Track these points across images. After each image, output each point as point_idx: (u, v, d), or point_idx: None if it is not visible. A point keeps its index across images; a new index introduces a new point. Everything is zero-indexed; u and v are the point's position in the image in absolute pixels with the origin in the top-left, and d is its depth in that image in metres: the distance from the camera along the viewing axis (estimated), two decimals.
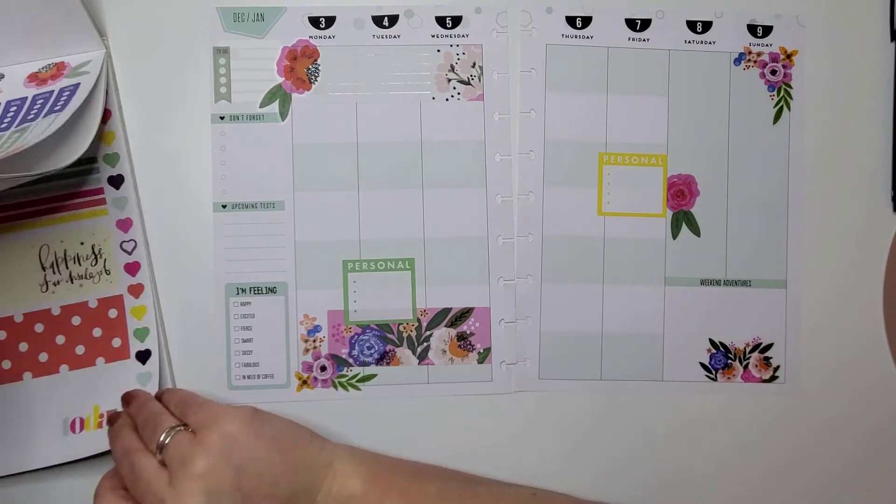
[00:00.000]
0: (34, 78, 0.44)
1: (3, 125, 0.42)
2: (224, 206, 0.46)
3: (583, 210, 0.47)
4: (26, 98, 0.43)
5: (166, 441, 0.40)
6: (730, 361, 0.48)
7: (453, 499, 0.42)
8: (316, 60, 0.47)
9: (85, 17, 0.44)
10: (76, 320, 0.45)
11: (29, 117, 0.42)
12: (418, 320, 0.47)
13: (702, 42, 0.48)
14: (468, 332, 0.47)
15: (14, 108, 0.43)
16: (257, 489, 0.39)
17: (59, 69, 0.44)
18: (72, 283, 0.45)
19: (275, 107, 0.46)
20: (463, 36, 0.47)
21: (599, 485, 0.47)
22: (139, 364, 0.45)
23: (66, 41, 0.44)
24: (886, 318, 0.48)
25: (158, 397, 0.44)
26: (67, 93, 0.43)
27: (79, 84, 0.43)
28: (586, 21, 0.47)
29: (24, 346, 0.45)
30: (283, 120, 0.46)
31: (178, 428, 0.40)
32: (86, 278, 0.45)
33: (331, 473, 0.41)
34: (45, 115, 0.42)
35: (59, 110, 0.42)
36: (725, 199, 0.48)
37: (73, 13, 0.43)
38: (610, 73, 0.47)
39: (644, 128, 0.47)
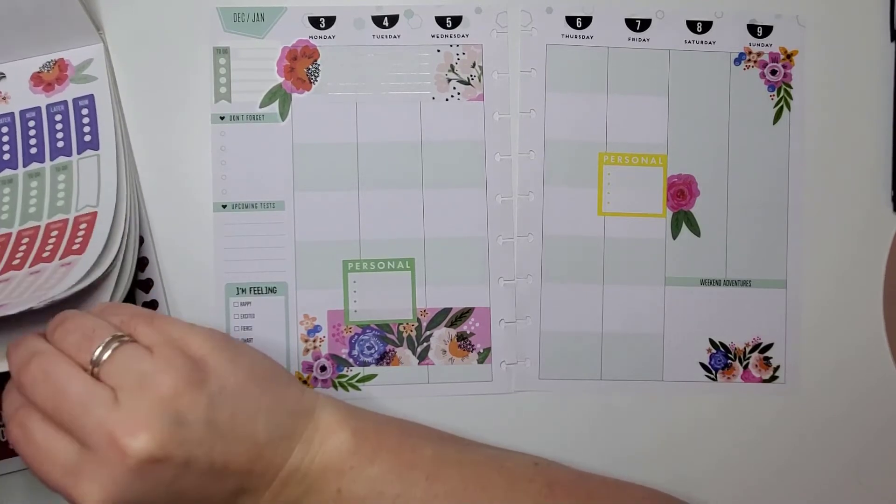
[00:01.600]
0: (39, 80, 0.44)
1: (33, 150, 0.42)
2: (224, 206, 0.46)
3: (583, 210, 0.47)
4: (40, 109, 0.44)
5: (105, 355, 0.30)
6: (730, 361, 0.48)
7: (450, 464, 0.37)
8: (316, 60, 0.47)
9: (81, 10, 0.44)
10: None
11: (58, 144, 0.42)
12: (418, 320, 0.47)
13: (702, 42, 0.48)
14: (468, 332, 0.47)
15: (33, 123, 0.43)
16: (231, 425, 0.31)
17: (60, 69, 0.44)
18: None
19: (275, 107, 0.46)
20: (463, 36, 0.47)
21: None
22: None
23: (63, 36, 0.44)
24: (886, 318, 0.48)
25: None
26: (86, 108, 0.43)
27: (92, 96, 0.44)
28: (586, 21, 0.47)
29: None
30: (283, 120, 0.46)
31: (125, 338, 0.31)
32: None
33: (313, 423, 0.35)
34: (79, 150, 0.42)
35: (92, 143, 0.42)
36: (725, 199, 0.48)
37: (69, 7, 0.43)
38: (610, 73, 0.47)
39: (644, 128, 0.47)
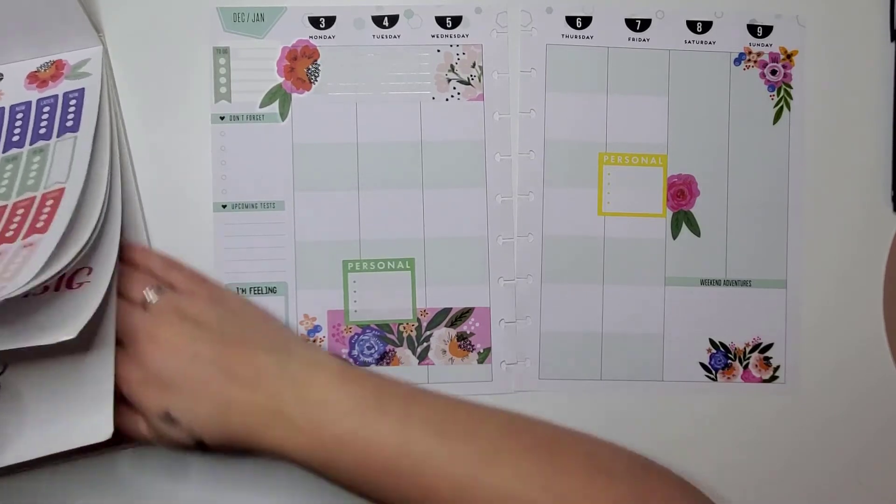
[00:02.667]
0: (34, 78, 0.44)
1: (16, 137, 0.42)
2: (224, 206, 0.46)
3: (583, 210, 0.47)
4: (30, 102, 0.43)
5: (150, 297, 0.40)
6: (730, 361, 0.48)
7: (426, 395, 0.40)
8: (316, 60, 0.47)
9: (81, 13, 0.44)
10: None
11: (41, 131, 0.42)
12: (418, 320, 0.47)
13: (702, 42, 0.48)
14: (468, 332, 0.47)
15: (21, 115, 0.43)
16: (239, 337, 0.40)
17: (57, 68, 0.44)
18: None
19: (275, 107, 0.46)
20: (463, 36, 0.47)
21: None
22: None
23: (62, 38, 0.44)
24: (886, 318, 0.48)
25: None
26: (74, 100, 0.43)
27: (83, 89, 0.43)
28: (586, 21, 0.47)
29: None
30: (283, 120, 0.46)
31: (164, 289, 0.41)
32: None
33: (305, 359, 0.40)
34: (59, 134, 0.41)
35: (73, 127, 0.41)
36: (725, 199, 0.48)
37: (69, 10, 0.43)
38: (610, 73, 0.47)
39: (644, 128, 0.47)
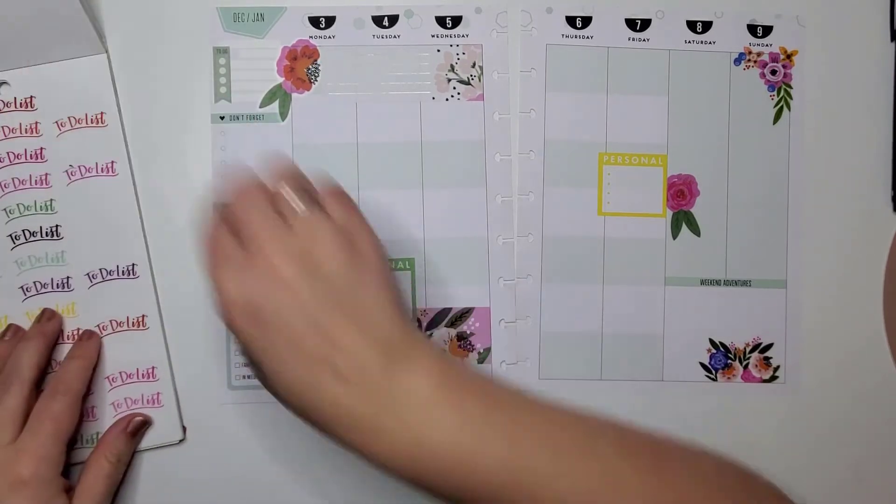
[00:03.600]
0: None
1: None
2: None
3: (583, 210, 0.47)
4: None
5: (298, 210, 0.36)
6: (730, 361, 0.47)
7: (531, 404, 0.36)
8: (316, 60, 0.47)
9: (85, 19, 0.44)
10: None
11: None
12: (418, 320, 0.47)
13: (702, 42, 0.48)
14: (468, 332, 0.47)
15: None
16: (349, 303, 0.34)
17: None
18: None
19: (275, 107, 0.46)
20: (463, 36, 0.47)
21: None
22: None
23: (66, 45, 0.44)
24: (886, 318, 0.48)
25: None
26: None
27: None
28: (586, 21, 0.47)
29: None
30: (283, 120, 0.46)
31: (316, 207, 0.36)
32: None
33: (408, 348, 0.35)
34: None
35: None
36: (725, 199, 0.48)
37: (74, 17, 0.43)
38: (610, 73, 0.47)
39: (644, 128, 0.47)
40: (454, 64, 0.47)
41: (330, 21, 0.47)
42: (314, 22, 0.47)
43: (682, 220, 0.48)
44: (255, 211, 0.36)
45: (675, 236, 0.47)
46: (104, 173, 0.45)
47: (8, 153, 0.45)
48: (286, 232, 0.35)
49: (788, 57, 0.48)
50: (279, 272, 0.34)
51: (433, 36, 0.47)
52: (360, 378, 0.34)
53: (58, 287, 0.45)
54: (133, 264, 0.45)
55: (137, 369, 0.45)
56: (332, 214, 0.37)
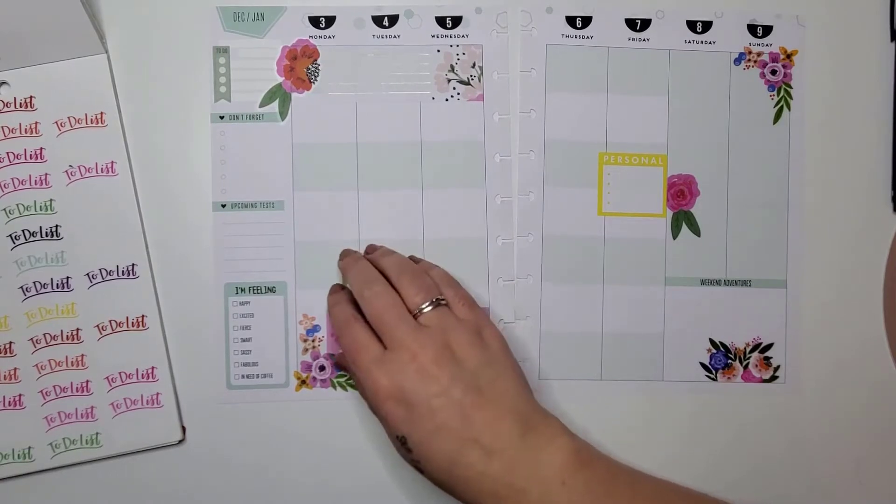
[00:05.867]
0: None
1: None
2: (224, 206, 0.46)
3: (583, 210, 0.47)
4: None
5: (427, 309, 0.40)
6: (730, 361, 0.47)
7: (648, 482, 0.41)
8: (316, 60, 0.47)
9: (85, 19, 0.44)
10: None
11: None
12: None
13: (702, 42, 0.48)
14: None
15: None
16: (489, 388, 0.39)
17: None
18: None
19: (274, 106, 0.46)
20: (463, 36, 0.47)
21: None
22: None
23: (66, 45, 0.44)
24: (886, 318, 0.48)
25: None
26: None
27: None
28: (586, 21, 0.47)
29: None
30: (282, 120, 0.46)
31: (443, 301, 0.41)
32: None
33: (544, 432, 0.39)
34: None
35: None
36: (725, 199, 0.48)
37: (74, 17, 0.43)
38: (610, 73, 0.47)
39: (644, 128, 0.47)
40: (454, 64, 0.47)
41: (330, 21, 0.47)
42: (314, 22, 0.47)
43: (682, 220, 0.48)
44: (390, 309, 0.40)
45: (675, 236, 0.47)
46: (104, 173, 0.45)
47: (8, 153, 0.45)
48: (419, 328, 0.40)
49: (788, 57, 0.48)
50: (423, 364, 0.38)
51: (433, 36, 0.47)
52: (502, 446, 0.38)
53: (58, 287, 0.45)
54: (133, 264, 0.45)
55: (137, 369, 0.45)
56: (458, 313, 0.41)
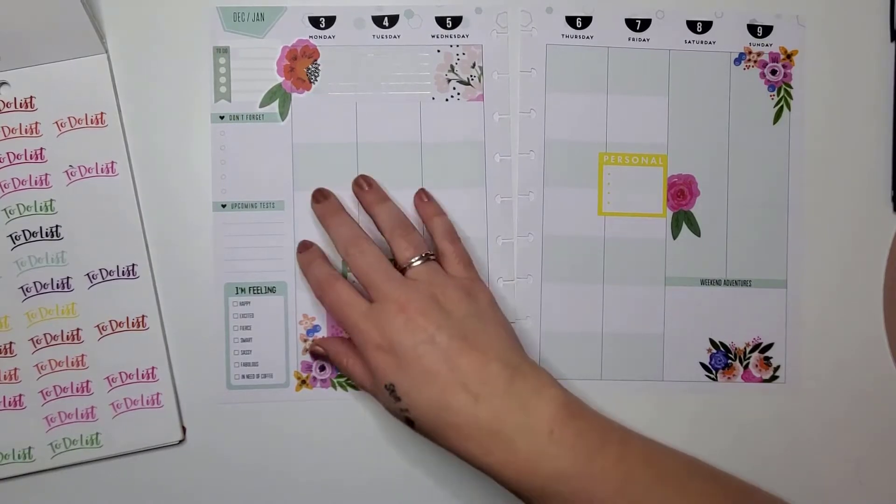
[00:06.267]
0: None
1: None
2: (224, 206, 0.46)
3: (583, 210, 0.47)
4: None
5: (416, 264, 0.42)
6: (730, 361, 0.47)
7: (638, 437, 0.41)
8: (316, 60, 0.47)
9: (85, 20, 0.44)
10: None
11: None
12: None
13: (702, 42, 0.48)
14: None
15: None
16: (475, 337, 0.39)
17: None
18: None
19: (275, 106, 0.46)
20: (463, 36, 0.47)
21: None
22: None
23: (66, 45, 0.44)
24: (886, 318, 0.48)
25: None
26: None
27: None
28: (586, 21, 0.47)
29: None
30: (282, 120, 0.46)
31: (432, 256, 0.42)
32: None
33: (532, 380, 0.39)
34: None
35: None
36: (725, 199, 0.48)
37: (74, 17, 0.43)
38: (610, 73, 0.47)
39: (644, 128, 0.47)
40: (454, 64, 0.47)
41: (330, 21, 0.47)
42: (314, 22, 0.47)
43: (683, 220, 0.48)
44: (376, 266, 0.41)
45: (675, 236, 0.47)
46: (104, 173, 0.45)
47: (8, 153, 0.45)
48: (406, 282, 0.41)
49: (788, 57, 0.48)
50: (410, 315, 0.39)
51: (433, 36, 0.47)
52: (489, 392, 0.38)
53: (58, 287, 0.45)
54: (133, 264, 0.45)
55: (137, 369, 0.45)
56: (452, 270, 0.43)
